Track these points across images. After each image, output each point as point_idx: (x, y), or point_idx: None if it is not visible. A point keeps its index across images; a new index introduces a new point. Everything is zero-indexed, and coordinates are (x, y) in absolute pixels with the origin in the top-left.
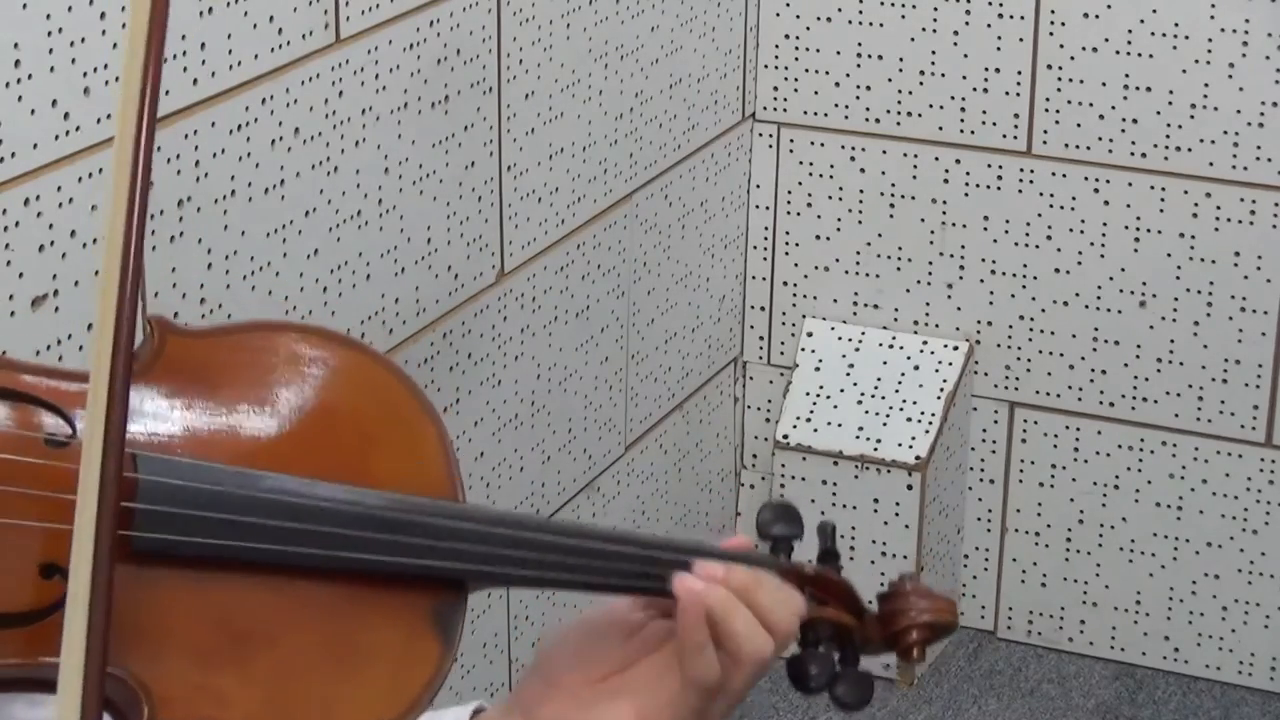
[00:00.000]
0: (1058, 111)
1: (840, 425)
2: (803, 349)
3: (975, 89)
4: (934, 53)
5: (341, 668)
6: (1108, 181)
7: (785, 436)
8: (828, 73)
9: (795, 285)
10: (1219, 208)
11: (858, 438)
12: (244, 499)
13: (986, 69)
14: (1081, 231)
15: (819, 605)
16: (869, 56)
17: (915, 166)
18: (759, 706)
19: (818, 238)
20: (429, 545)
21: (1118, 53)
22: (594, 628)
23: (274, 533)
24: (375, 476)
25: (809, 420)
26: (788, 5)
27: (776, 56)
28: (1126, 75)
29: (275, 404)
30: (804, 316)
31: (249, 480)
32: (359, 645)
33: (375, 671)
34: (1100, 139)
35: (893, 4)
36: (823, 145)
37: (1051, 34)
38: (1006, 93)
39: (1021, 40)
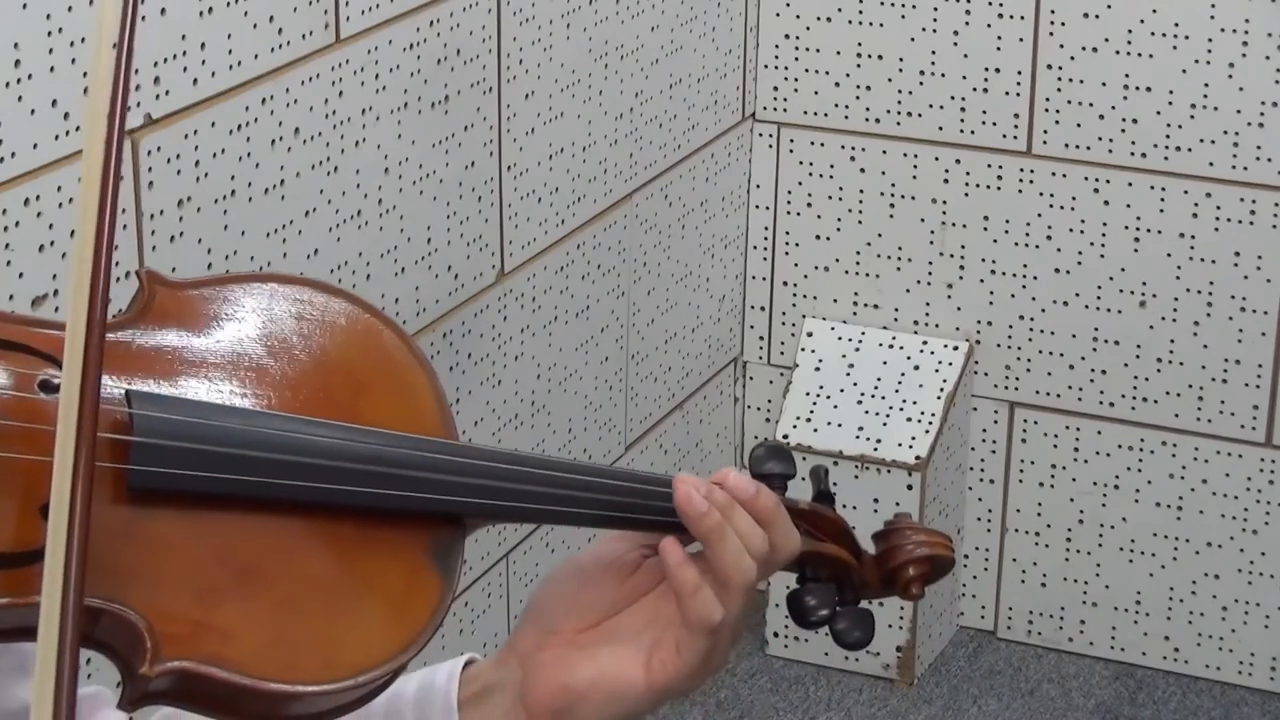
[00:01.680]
0: (1058, 111)
1: (840, 425)
2: (803, 349)
3: (975, 89)
4: (934, 53)
5: (344, 603)
6: (1108, 181)
7: (785, 436)
8: (828, 73)
9: (795, 285)
10: (1219, 208)
11: (858, 438)
12: (238, 433)
13: (986, 69)
14: (1081, 231)
15: (815, 541)
16: (869, 56)
17: (915, 166)
18: (759, 706)
19: (818, 238)
20: (425, 479)
21: (1118, 53)
22: (587, 571)
23: (270, 466)
24: (366, 420)
25: (809, 420)
26: (788, 5)
27: (776, 56)
28: (1126, 75)
29: (265, 349)
30: (804, 316)
31: (242, 415)
32: (360, 581)
33: (377, 607)
34: (1100, 139)
35: (893, 4)
36: (823, 145)
37: (1051, 34)
38: (1006, 93)
39: (1021, 40)
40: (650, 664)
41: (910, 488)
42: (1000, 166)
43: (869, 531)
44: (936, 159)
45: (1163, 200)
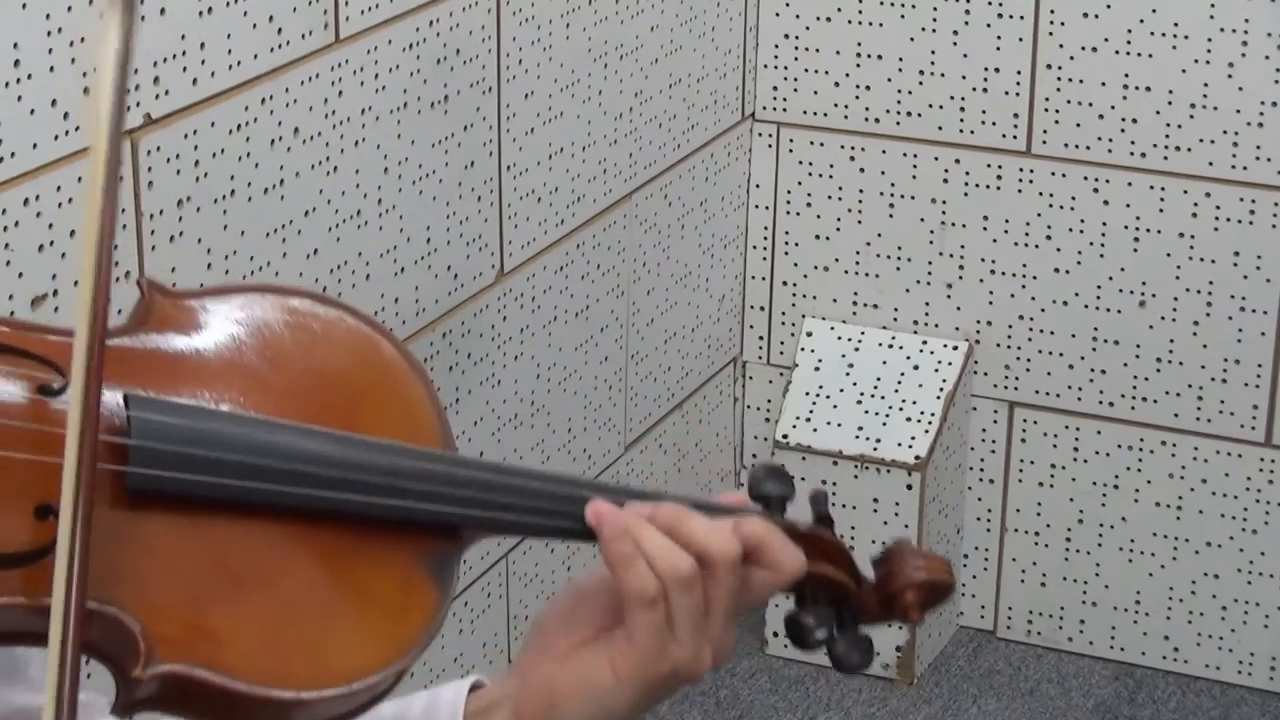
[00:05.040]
0: (1057, 111)
1: (840, 425)
2: (802, 349)
3: (975, 89)
4: (934, 53)
5: (338, 611)
6: (1107, 181)
7: (785, 436)
8: (827, 73)
9: (795, 285)
10: (1219, 208)
11: (857, 438)
12: (236, 437)
13: (986, 69)
14: (1081, 231)
15: (814, 564)
16: (869, 56)
17: (915, 166)
18: (759, 706)
19: (817, 238)
20: (420, 489)
21: (1117, 53)
22: (584, 590)
23: (267, 472)
24: (363, 430)
25: (808, 420)
26: (787, 5)
27: (776, 56)
28: (1126, 75)
29: (262, 358)
30: (804, 316)
31: (239, 421)
32: (355, 589)
33: (371, 616)
34: (1100, 139)
35: (893, 4)
36: (822, 145)
37: (1051, 34)
38: (1006, 93)
39: (1021, 40)
40: (614, 657)
41: (910, 488)
42: (1000, 166)
43: (871, 537)
44: (936, 159)
45: (1162, 200)
